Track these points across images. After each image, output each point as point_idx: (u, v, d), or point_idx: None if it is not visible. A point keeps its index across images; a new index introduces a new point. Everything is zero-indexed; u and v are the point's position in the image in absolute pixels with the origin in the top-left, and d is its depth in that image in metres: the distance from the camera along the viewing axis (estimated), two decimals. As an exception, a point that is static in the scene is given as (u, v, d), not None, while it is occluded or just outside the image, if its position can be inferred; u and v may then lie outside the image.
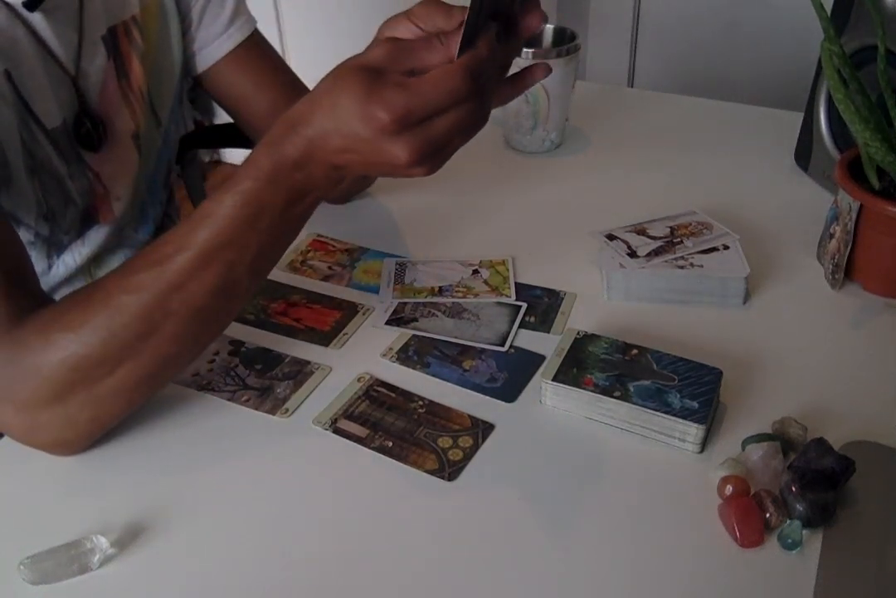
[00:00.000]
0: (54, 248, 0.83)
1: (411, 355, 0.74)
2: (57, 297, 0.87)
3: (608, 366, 0.67)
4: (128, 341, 0.59)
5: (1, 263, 0.62)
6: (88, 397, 0.60)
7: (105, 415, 0.63)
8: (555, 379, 0.67)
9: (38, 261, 0.82)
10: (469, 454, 0.64)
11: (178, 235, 0.59)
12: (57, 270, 0.85)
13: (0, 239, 0.64)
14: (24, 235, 0.79)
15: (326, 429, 0.67)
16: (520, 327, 0.77)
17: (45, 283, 0.85)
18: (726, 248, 0.81)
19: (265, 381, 0.71)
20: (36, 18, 0.71)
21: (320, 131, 0.55)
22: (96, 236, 0.86)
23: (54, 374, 0.59)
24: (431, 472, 0.63)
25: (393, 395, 0.70)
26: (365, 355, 0.74)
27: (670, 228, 0.84)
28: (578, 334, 0.71)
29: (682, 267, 0.78)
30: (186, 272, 0.58)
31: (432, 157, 0.54)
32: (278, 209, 0.58)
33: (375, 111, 0.51)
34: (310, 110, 0.55)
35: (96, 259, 0.88)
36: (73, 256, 0.85)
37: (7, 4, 0.69)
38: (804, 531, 0.56)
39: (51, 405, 0.60)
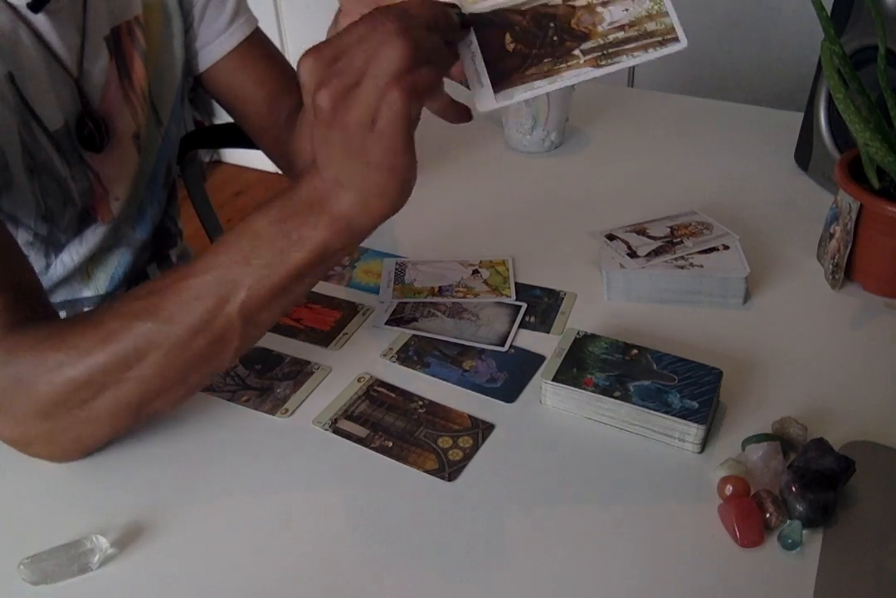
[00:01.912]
0: (52, 247, 0.83)
1: (411, 355, 0.74)
2: (55, 297, 0.87)
3: (608, 366, 0.67)
4: (111, 368, 0.57)
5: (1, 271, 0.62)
6: (72, 420, 0.60)
7: (88, 438, 0.62)
8: (555, 379, 0.67)
9: (36, 261, 0.82)
10: (469, 454, 0.64)
11: (186, 265, 0.57)
12: (55, 269, 0.85)
13: (1, 246, 0.64)
14: (23, 236, 0.79)
15: (326, 429, 0.67)
16: (520, 327, 0.77)
17: (43, 283, 0.84)
18: (726, 248, 0.81)
19: (265, 381, 0.71)
20: (39, 20, 0.71)
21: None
22: (94, 236, 0.86)
23: (41, 392, 0.58)
24: (431, 472, 0.63)
25: (393, 395, 0.70)
26: (365, 355, 0.74)
27: (670, 228, 0.84)
28: (578, 334, 0.71)
29: (682, 267, 0.78)
30: (176, 303, 0.56)
31: (343, 105, 0.50)
32: (276, 248, 0.55)
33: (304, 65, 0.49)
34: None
35: (93, 258, 0.88)
36: (71, 256, 0.85)
37: (10, 5, 0.69)
38: (804, 531, 0.56)
39: (38, 421, 0.59)
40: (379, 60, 0.49)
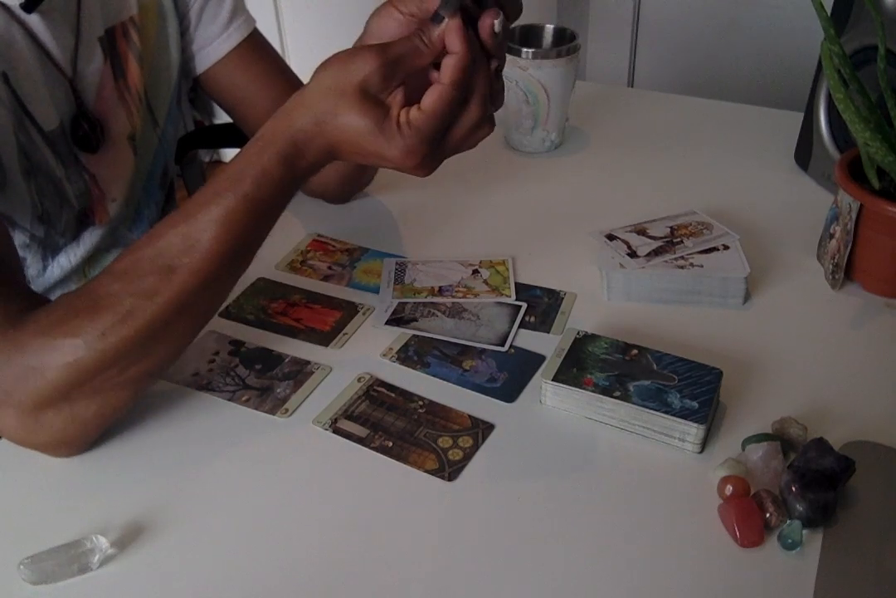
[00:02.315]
0: (49, 249, 0.83)
1: (411, 354, 0.74)
2: (51, 298, 0.87)
3: (608, 366, 0.67)
4: (138, 345, 0.59)
5: None
6: (96, 394, 0.60)
7: (109, 409, 0.63)
8: (555, 379, 0.67)
9: (33, 263, 0.82)
10: (469, 454, 0.64)
11: (181, 234, 0.59)
12: (52, 271, 0.85)
13: None
14: (20, 237, 0.79)
15: (326, 429, 0.67)
16: (520, 326, 0.77)
17: (40, 284, 0.85)
18: (726, 248, 0.81)
19: (265, 381, 0.71)
20: (33, 20, 0.71)
21: (332, 141, 0.59)
22: (91, 238, 0.86)
23: (60, 376, 0.58)
24: (431, 472, 0.63)
25: (393, 395, 0.70)
26: (365, 355, 0.74)
27: (670, 228, 0.84)
28: (578, 334, 0.71)
29: (682, 267, 0.79)
30: (198, 275, 0.59)
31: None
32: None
33: (401, 157, 0.58)
34: (314, 120, 0.59)
35: (90, 260, 0.88)
36: (69, 258, 0.85)
37: (4, 6, 0.69)
38: (804, 531, 0.56)
39: (56, 405, 0.60)
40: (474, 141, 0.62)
